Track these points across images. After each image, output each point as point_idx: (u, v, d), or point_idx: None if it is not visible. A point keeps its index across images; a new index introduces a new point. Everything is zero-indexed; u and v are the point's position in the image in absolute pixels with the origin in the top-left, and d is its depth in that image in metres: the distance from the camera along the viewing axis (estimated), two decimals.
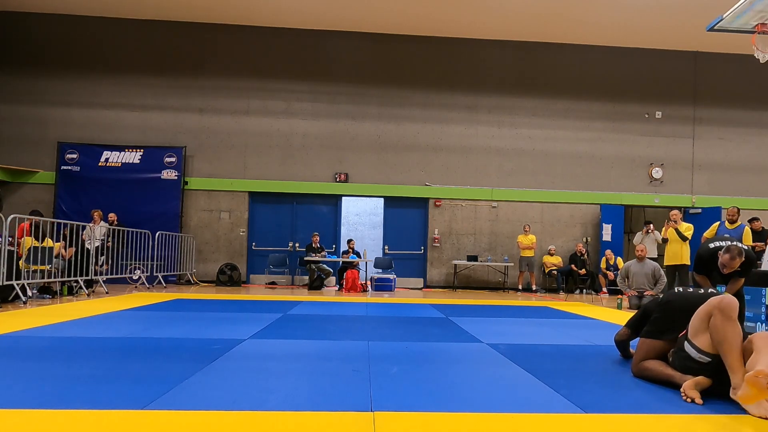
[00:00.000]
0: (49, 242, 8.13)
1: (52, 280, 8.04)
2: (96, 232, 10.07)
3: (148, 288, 10.47)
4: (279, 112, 13.06)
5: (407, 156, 13.18)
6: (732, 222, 8.30)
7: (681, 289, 3.41)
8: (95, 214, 10.79)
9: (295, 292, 10.58)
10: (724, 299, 2.90)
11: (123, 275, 10.82)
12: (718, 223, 8.59)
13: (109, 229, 10.48)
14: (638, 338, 3.47)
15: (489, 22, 12.48)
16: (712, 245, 4.99)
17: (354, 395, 2.73)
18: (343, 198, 13.32)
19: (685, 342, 3.02)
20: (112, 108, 12.80)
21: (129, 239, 10.64)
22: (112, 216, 11.36)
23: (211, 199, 12.86)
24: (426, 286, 13.09)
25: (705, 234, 8.61)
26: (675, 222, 9.05)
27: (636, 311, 3.90)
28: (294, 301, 8.33)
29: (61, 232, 8.95)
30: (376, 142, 13.16)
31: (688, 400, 2.75)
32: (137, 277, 11.07)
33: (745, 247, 4.87)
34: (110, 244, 10.38)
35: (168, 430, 2.17)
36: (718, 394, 2.82)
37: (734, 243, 4.77)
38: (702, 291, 3.31)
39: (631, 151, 13.56)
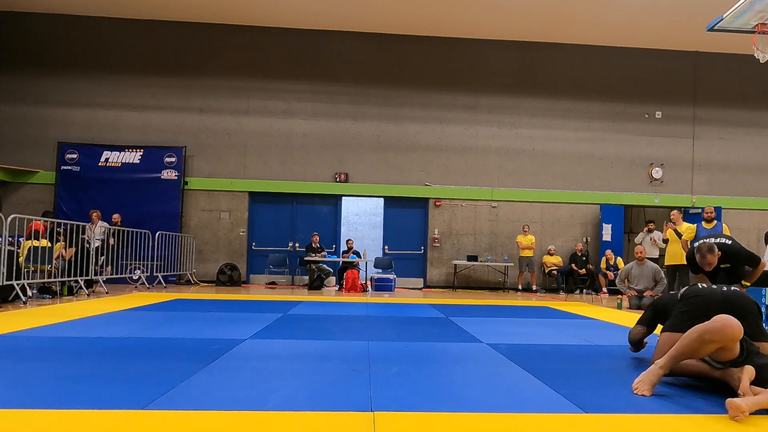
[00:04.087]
0: (43, 242, 8.11)
1: (52, 280, 8.04)
2: (95, 232, 10.06)
3: (148, 288, 10.47)
4: (279, 112, 13.06)
5: (407, 156, 13.18)
6: (709, 221, 8.30)
7: (704, 285, 3.41)
8: (93, 214, 10.77)
9: (295, 292, 10.58)
10: (720, 323, 2.82)
11: (123, 275, 10.82)
12: (695, 225, 8.61)
13: (109, 229, 10.47)
14: (658, 333, 3.45)
15: (489, 22, 12.48)
16: (695, 245, 5.09)
17: (354, 395, 2.73)
18: (343, 198, 13.32)
19: None
20: (112, 108, 12.80)
21: (129, 239, 10.64)
22: (116, 217, 11.36)
23: (211, 199, 12.86)
24: (426, 286, 13.09)
25: (684, 237, 8.63)
26: (674, 223, 9.09)
27: (637, 311, 3.92)
28: (294, 301, 8.32)
29: (60, 231, 8.93)
30: (376, 142, 13.16)
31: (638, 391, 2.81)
32: (137, 277, 11.07)
33: (720, 240, 4.89)
34: (113, 241, 10.38)
35: (168, 430, 2.17)
36: (721, 393, 2.82)
37: (703, 241, 4.82)
38: (725, 288, 3.30)
39: (631, 151, 13.56)
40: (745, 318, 3.01)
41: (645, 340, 3.85)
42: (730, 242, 4.90)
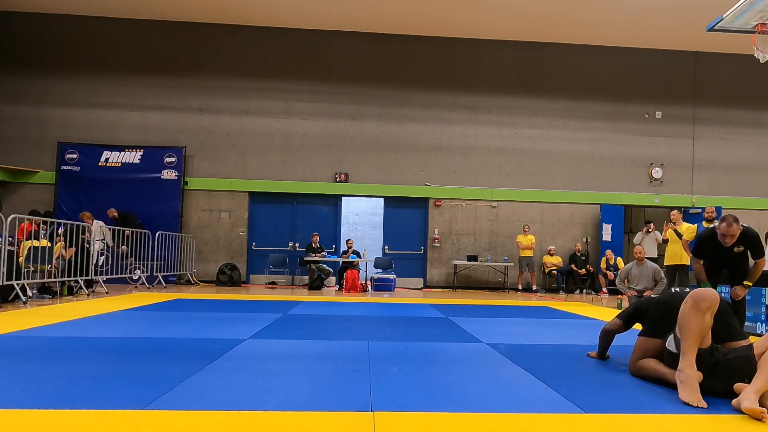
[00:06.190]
0: (43, 242, 8.10)
1: (52, 280, 8.04)
2: (95, 233, 10.04)
3: (148, 288, 10.47)
4: (279, 112, 13.05)
5: (407, 156, 13.18)
6: (709, 221, 8.29)
7: (678, 289, 3.43)
8: (84, 216, 10.58)
9: (295, 292, 10.58)
10: (700, 291, 2.94)
11: (123, 275, 10.82)
12: (695, 225, 8.63)
13: (113, 230, 10.46)
14: (636, 337, 3.48)
15: (489, 22, 12.48)
16: (710, 226, 5.19)
17: (354, 395, 2.73)
18: (343, 198, 13.31)
19: (671, 336, 3.08)
20: (112, 108, 12.80)
21: (129, 239, 10.64)
22: (111, 211, 11.44)
23: (211, 199, 12.86)
24: (426, 286, 13.09)
25: (685, 237, 8.63)
26: (674, 223, 9.10)
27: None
28: (294, 301, 8.32)
29: (56, 232, 8.91)
30: (376, 142, 13.16)
31: (697, 406, 2.66)
32: (137, 277, 11.06)
33: (744, 225, 4.98)
34: (125, 248, 10.43)
35: (168, 430, 2.17)
36: (719, 394, 2.82)
37: (729, 214, 4.91)
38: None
39: (631, 151, 13.56)
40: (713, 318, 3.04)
41: (608, 353, 3.94)
42: (747, 227, 5.00)
